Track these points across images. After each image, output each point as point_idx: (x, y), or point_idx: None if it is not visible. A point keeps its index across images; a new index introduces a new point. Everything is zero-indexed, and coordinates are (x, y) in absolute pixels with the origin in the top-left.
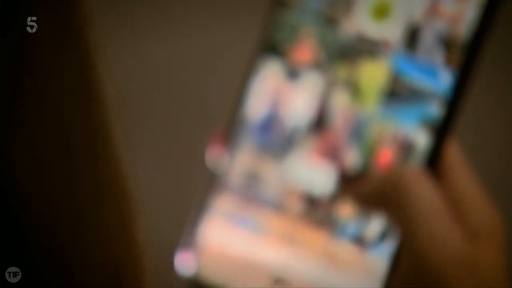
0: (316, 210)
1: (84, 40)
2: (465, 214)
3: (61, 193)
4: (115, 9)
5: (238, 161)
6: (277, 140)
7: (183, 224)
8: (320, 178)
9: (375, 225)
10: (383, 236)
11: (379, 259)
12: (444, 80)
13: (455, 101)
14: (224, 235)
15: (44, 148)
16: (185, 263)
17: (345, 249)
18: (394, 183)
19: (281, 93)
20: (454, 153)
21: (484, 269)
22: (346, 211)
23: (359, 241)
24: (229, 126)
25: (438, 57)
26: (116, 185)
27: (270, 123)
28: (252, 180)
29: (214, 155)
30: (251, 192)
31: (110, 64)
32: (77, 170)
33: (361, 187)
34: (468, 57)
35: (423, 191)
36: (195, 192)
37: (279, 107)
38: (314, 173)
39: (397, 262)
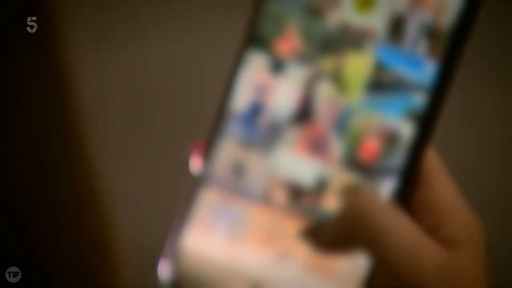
0: (301, 201)
1: (57, 51)
2: (445, 221)
3: (36, 200)
4: (110, 12)
5: (224, 154)
6: (262, 132)
7: (168, 232)
8: (306, 170)
9: None
10: None
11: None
12: (428, 70)
13: (439, 91)
14: (206, 241)
15: (17, 156)
16: (166, 270)
17: None
18: (354, 216)
19: (266, 85)
20: (432, 160)
21: (464, 277)
22: (332, 202)
23: None
24: (214, 120)
25: (422, 48)
26: (91, 200)
27: (255, 115)
28: (238, 172)
29: (196, 162)
30: (237, 185)
31: (91, 72)
32: (50, 175)
33: (324, 233)
34: (452, 47)
35: (383, 209)
36: (180, 199)
37: (264, 99)
38: (299, 165)
39: (372, 281)
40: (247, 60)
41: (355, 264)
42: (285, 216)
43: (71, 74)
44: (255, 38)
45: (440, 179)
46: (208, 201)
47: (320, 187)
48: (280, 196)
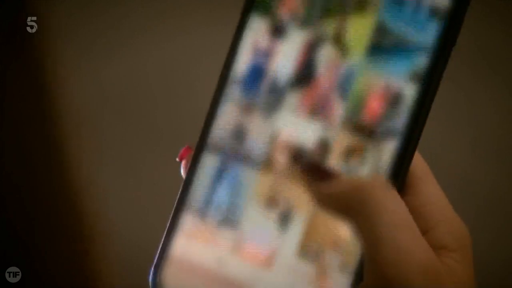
0: (303, 164)
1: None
2: (433, 226)
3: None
4: (106, 13)
5: (225, 118)
6: (264, 95)
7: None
8: (308, 132)
9: None
10: None
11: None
12: (431, 31)
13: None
14: (198, 246)
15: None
16: (157, 277)
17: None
18: (360, 191)
19: (268, 48)
20: (420, 165)
21: (453, 280)
22: (335, 165)
23: None
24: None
25: (425, 8)
26: (80, 201)
27: (257, 79)
28: (240, 136)
29: (186, 168)
30: (239, 148)
31: (86, 74)
32: (44, 176)
33: (328, 188)
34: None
35: (389, 202)
36: (175, 201)
37: (266, 62)
38: (301, 127)
39: (360, 274)
40: (248, 24)
41: (345, 268)
42: (287, 178)
43: (62, 76)
44: (256, 1)
45: (427, 184)
46: (210, 166)
47: (323, 149)
48: (282, 159)
